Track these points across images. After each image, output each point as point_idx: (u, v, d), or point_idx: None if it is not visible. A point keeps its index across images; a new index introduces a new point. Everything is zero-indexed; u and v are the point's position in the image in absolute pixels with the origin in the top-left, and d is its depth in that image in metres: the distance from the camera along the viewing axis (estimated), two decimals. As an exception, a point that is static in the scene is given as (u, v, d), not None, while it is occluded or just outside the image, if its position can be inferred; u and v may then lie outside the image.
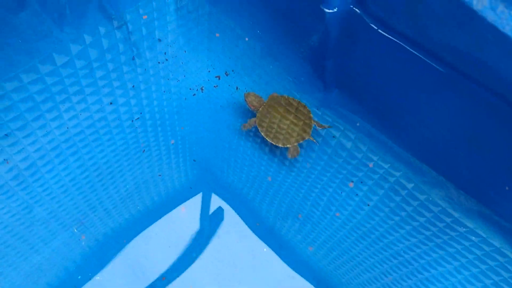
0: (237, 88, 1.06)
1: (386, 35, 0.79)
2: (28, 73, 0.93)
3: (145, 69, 1.04)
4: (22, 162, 0.91)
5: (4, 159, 0.90)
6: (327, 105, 1.01)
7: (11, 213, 0.89)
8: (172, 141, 1.01)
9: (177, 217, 0.97)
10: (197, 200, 0.99)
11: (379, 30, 0.80)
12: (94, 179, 0.96)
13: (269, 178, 0.97)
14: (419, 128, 0.87)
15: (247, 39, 1.01)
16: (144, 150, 1.00)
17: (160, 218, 0.97)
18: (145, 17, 1.01)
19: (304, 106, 0.94)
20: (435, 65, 0.73)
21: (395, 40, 0.78)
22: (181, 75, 1.06)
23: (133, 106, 1.02)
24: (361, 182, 0.96)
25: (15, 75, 0.92)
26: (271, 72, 1.04)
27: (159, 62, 1.05)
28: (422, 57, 0.75)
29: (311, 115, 0.94)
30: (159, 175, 0.99)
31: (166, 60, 1.06)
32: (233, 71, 1.07)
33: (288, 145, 0.92)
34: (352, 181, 0.93)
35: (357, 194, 0.95)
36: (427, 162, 0.89)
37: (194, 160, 1.01)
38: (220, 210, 0.99)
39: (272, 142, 0.93)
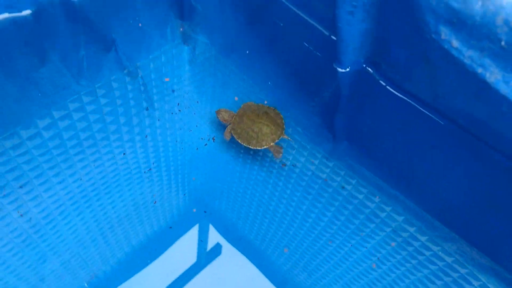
0: (248, 138, 1.07)
1: (398, 94, 0.81)
2: (45, 124, 0.95)
3: (159, 119, 1.06)
4: (40, 212, 0.91)
5: (17, 211, 0.90)
6: (336, 156, 1.02)
7: (28, 263, 0.88)
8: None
9: (189, 269, 0.95)
10: (208, 253, 0.98)
11: (391, 90, 0.82)
12: (107, 231, 0.95)
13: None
14: (430, 184, 0.87)
15: (266, 102, 1.04)
16: (155, 202, 1.00)
17: (172, 271, 0.95)
18: (166, 79, 1.05)
19: (274, 110, 1.00)
20: (448, 127, 0.75)
21: (407, 100, 0.80)
22: (194, 125, 1.08)
23: (146, 156, 1.03)
24: (371, 234, 0.95)
25: (33, 125, 0.94)
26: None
27: (172, 113, 1.07)
28: (435, 118, 0.77)
29: (281, 116, 1.00)
30: (170, 227, 0.99)
31: (179, 111, 1.08)
32: (244, 121, 1.09)
33: (265, 147, 0.97)
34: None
35: (366, 248, 0.95)
36: (439, 218, 0.89)
37: (205, 212, 1.01)
38: (231, 263, 0.97)
39: (249, 146, 0.98)
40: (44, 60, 0.93)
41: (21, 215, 0.91)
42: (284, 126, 0.99)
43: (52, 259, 0.91)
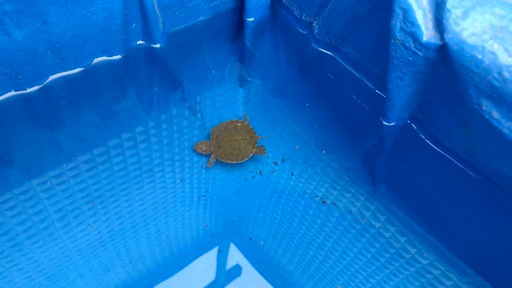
0: (292, 174, 1.17)
1: (437, 149, 0.90)
2: (115, 148, 1.08)
3: (213, 152, 1.18)
4: (106, 227, 1.03)
5: (89, 225, 1.03)
6: (375, 197, 1.10)
7: (94, 273, 1.00)
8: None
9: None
10: (249, 279, 1.07)
11: (431, 144, 0.91)
12: (156, 251, 1.06)
13: None
14: (463, 233, 0.94)
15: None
16: (207, 225, 1.10)
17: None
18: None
19: (238, 121, 1.14)
20: (482, 182, 0.83)
21: (445, 154, 0.89)
22: (244, 159, 1.19)
23: (200, 183, 1.14)
24: (395, 274, 1.02)
25: (105, 150, 1.07)
26: (324, 162, 1.16)
27: (225, 147, 1.19)
28: (470, 173, 0.85)
29: (246, 122, 1.14)
30: (219, 250, 1.09)
31: (232, 144, 1.20)
32: (289, 158, 1.19)
33: (250, 156, 1.11)
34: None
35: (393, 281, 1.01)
36: (471, 265, 0.95)
37: (250, 239, 1.11)
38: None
39: (239, 161, 1.11)
40: (124, 95, 1.07)
41: (92, 228, 1.03)
42: (254, 130, 1.14)
43: (111, 269, 1.02)
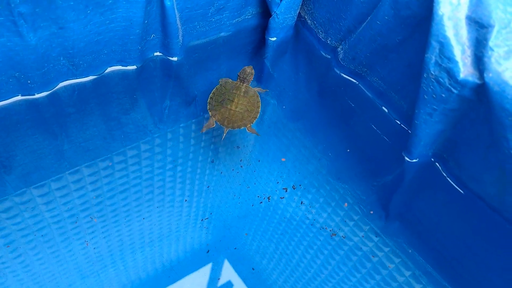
0: (301, 203, 1.11)
1: (461, 191, 0.85)
2: (119, 161, 1.03)
3: (221, 172, 1.13)
4: (105, 243, 0.96)
5: (85, 241, 0.96)
6: (386, 233, 1.05)
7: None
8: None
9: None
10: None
11: (455, 185, 0.86)
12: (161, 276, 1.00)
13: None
14: (480, 278, 0.88)
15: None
16: (208, 251, 1.04)
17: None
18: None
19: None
20: (508, 226, 0.77)
21: (470, 198, 0.84)
22: (252, 182, 1.14)
23: (205, 205, 1.08)
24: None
25: (108, 160, 1.02)
26: (336, 192, 1.11)
27: (233, 169, 1.14)
28: (498, 219, 0.80)
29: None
30: (218, 279, 1.02)
31: (241, 167, 1.15)
32: (300, 185, 1.14)
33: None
34: None
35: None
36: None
37: (253, 269, 1.04)
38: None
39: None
40: (134, 107, 1.03)
41: (87, 245, 0.97)
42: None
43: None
